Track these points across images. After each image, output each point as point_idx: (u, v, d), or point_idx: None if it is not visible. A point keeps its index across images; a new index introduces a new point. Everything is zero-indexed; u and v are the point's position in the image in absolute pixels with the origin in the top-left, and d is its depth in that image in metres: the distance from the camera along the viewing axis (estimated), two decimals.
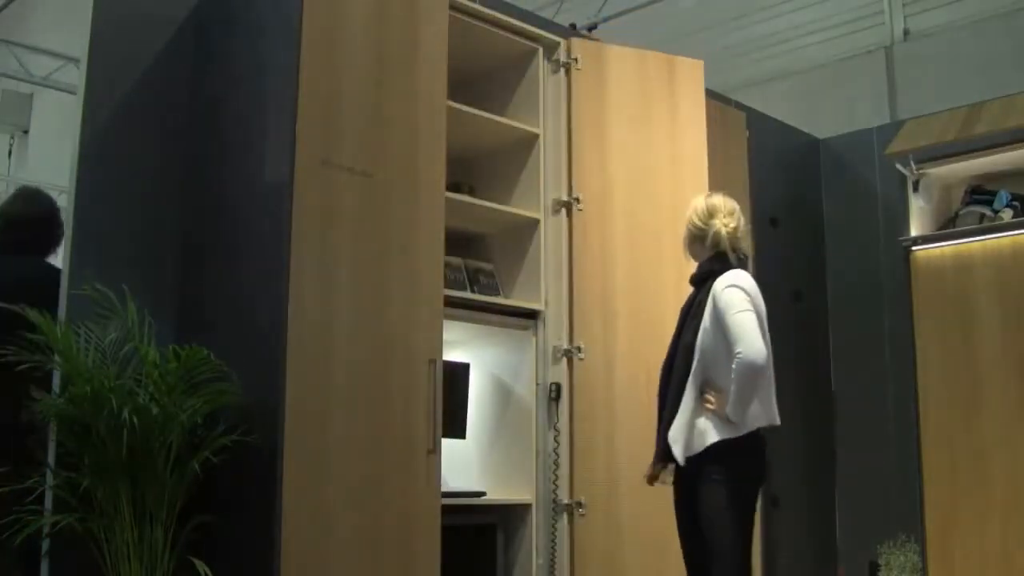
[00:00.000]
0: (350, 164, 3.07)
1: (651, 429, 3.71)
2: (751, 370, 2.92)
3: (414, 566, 3.01)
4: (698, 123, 4.02)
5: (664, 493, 3.73)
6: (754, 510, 3.10)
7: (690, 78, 4.05)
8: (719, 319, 3.01)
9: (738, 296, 3.01)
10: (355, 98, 3.11)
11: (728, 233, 3.14)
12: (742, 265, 3.17)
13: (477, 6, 3.62)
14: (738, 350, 2.92)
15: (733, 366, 2.93)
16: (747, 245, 3.27)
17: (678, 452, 3.02)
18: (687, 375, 3.05)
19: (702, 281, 3.13)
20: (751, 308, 2.98)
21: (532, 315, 3.68)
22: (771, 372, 3.07)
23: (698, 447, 3.01)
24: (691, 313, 3.10)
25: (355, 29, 3.14)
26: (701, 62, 4.13)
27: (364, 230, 3.07)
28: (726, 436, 3.01)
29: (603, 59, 3.88)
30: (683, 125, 3.99)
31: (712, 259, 3.15)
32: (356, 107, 3.11)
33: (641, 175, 3.88)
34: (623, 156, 3.84)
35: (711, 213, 3.17)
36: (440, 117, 3.29)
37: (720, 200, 3.21)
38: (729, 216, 3.17)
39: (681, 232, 3.23)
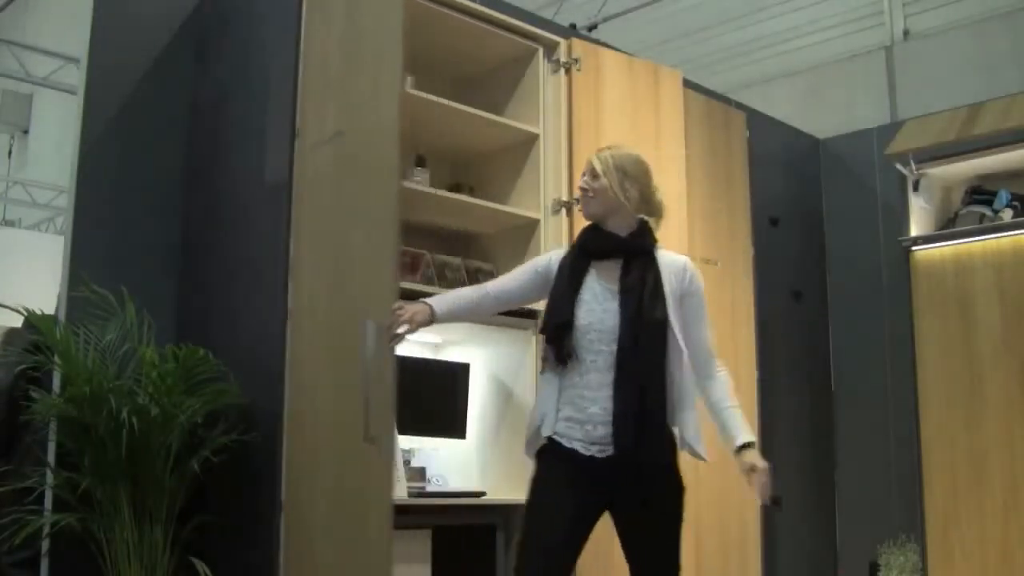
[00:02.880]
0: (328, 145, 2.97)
1: None
2: None
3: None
4: (677, 131, 4.06)
5: None
6: None
7: (671, 87, 4.10)
8: (689, 304, 2.67)
9: None
10: (342, 95, 3.08)
11: (663, 207, 2.79)
12: None
13: (477, 6, 3.62)
14: (722, 365, 2.71)
15: (722, 378, 2.69)
16: None
17: (703, 451, 2.63)
18: (664, 357, 2.59)
19: (651, 252, 2.68)
20: None
21: (532, 315, 3.67)
22: None
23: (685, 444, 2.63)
24: (648, 285, 2.60)
25: (339, 24, 3.10)
26: (680, 72, 4.17)
27: (347, 226, 3.00)
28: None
29: (599, 61, 3.89)
30: (665, 133, 4.02)
31: (648, 227, 2.73)
32: (342, 103, 3.08)
33: None
34: None
35: (652, 178, 2.76)
36: (392, 100, 2.97)
37: None
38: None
39: (612, 184, 2.66)
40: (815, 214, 5.59)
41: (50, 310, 3.16)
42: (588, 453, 2.52)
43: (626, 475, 2.54)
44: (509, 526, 3.57)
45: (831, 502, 5.32)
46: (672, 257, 2.70)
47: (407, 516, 3.19)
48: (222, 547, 3.01)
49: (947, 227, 4.76)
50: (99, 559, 2.87)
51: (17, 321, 3.39)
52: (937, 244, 4.68)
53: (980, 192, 4.76)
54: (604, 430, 2.51)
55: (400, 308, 2.57)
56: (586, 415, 2.53)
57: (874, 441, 5.20)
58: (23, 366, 3.13)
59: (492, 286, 2.78)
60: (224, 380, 3.04)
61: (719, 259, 4.31)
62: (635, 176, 2.68)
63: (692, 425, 2.62)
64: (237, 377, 3.04)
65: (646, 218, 2.72)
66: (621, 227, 2.67)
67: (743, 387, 4.30)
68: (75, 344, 2.99)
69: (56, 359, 3.00)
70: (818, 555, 5.21)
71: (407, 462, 3.40)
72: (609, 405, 2.51)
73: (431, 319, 2.59)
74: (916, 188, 4.75)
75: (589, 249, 2.69)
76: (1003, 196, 4.63)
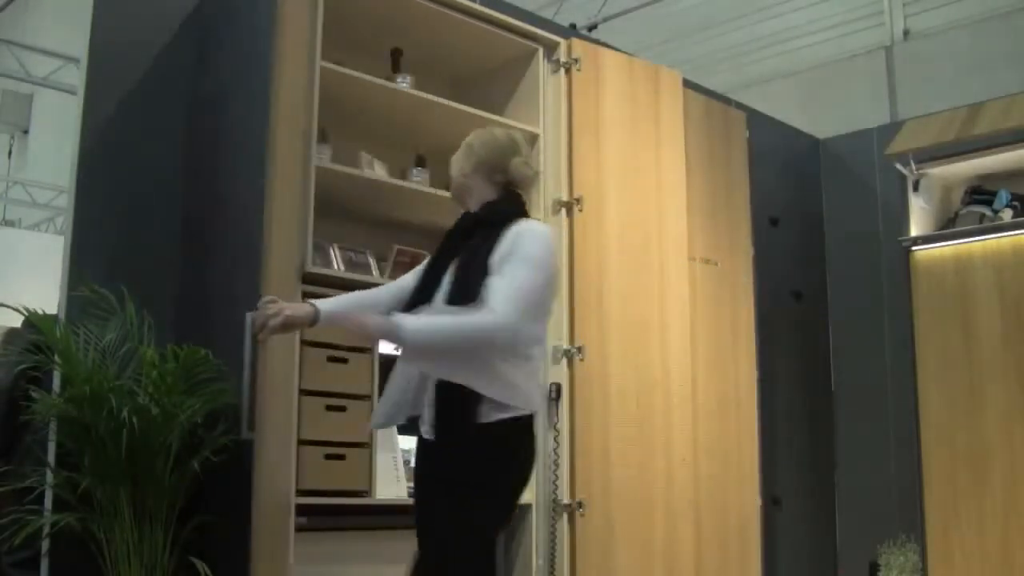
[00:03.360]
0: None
1: (643, 431, 3.73)
2: (488, 340, 2.33)
3: None
4: (677, 131, 4.06)
5: (660, 493, 3.74)
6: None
7: (671, 87, 4.10)
8: (507, 262, 2.38)
9: (542, 250, 2.42)
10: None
11: (530, 175, 2.61)
12: None
13: (477, 6, 3.62)
14: (492, 307, 2.30)
15: (485, 313, 2.30)
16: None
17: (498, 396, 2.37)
18: None
19: (500, 224, 2.47)
20: (545, 273, 2.40)
21: None
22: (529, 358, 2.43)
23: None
24: (475, 259, 2.42)
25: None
26: (679, 73, 4.17)
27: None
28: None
29: (599, 61, 3.89)
30: (665, 133, 4.03)
31: (509, 199, 2.56)
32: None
33: (632, 179, 3.89)
34: (617, 159, 3.86)
35: (513, 148, 2.59)
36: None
37: (521, 136, 2.68)
38: (529, 157, 2.64)
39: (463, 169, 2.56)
40: (815, 214, 5.59)
41: (50, 310, 3.16)
42: (423, 435, 2.45)
43: (433, 458, 2.43)
44: (509, 526, 3.58)
45: (831, 502, 5.32)
46: (526, 225, 2.48)
47: (407, 516, 3.19)
48: (222, 547, 3.01)
49: (947, 227, 4.76)
50: (99, 559, 2.87)
51: (17, 321, 3.39)
52: (937, 244, 4.68)
53: (980, 192, 4.76)
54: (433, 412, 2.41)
55: (272, 301, 2.44)
56: (427, 397, 2.43)
57: (874, 441, 5.20)
58: (23, 366, 3.13)
59: (395, 282, 2.70)
60: (224, 380, 3.04)
61: (719, 259, 4.31)
62: (477, 148, 2.58)
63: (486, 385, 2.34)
64: (237, 377, 3.04)
65: (516, 190, 2.57)
66: (476, 204, 2.57)
67: (743, 387, 4.31)
68: (75, 344, 2.99)
69: (56, 359, 2.99)
70: (818, 555, 5.21)
71: (407, 462, 3.40)
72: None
73: (314, 320, 2.45)
74: (916, 188, 4.74)
75: (452, 230, 2.61)
76: (1003, 196, 4.63)
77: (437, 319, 2.35)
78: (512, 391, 2.36)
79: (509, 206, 2.54)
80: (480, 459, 2.35)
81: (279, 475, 2.83)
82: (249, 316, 2.56)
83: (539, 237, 2.45)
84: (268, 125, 2.98)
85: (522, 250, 2.39)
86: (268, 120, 2.99)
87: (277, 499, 2.81)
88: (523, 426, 2.41)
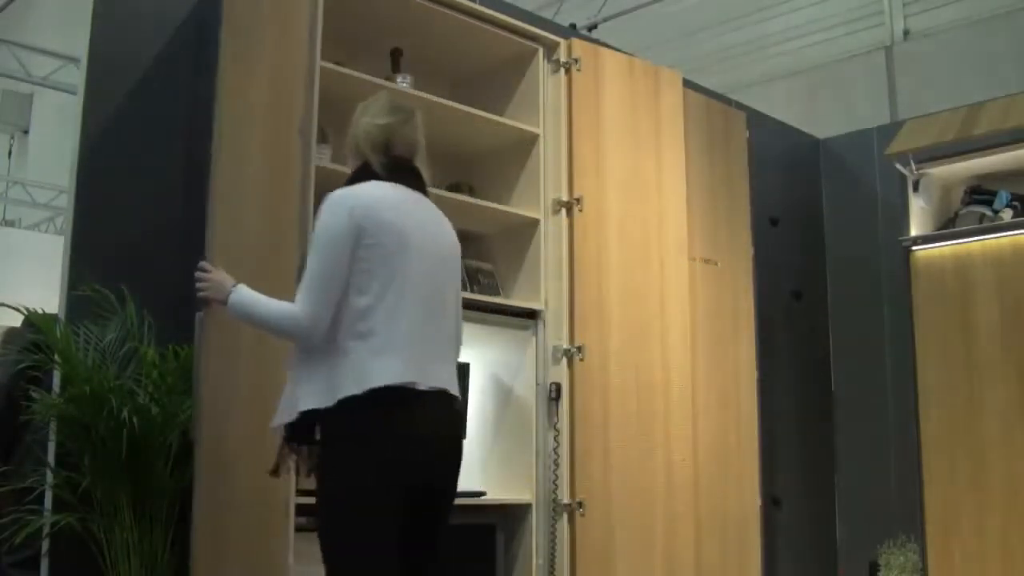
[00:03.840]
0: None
1: (643, 431, 3.73)
2: (284, 331, 2.32)
3: None
4: (677, 131, 4.06)
5: (660, 493, 3.74)
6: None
7: (671, 87, 4.10)
8: None
9: (322, 225, 2.31)
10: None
11: (368, 131, 2.44)
12: (403, 175, 2.45)
13: (477, 6, 3.62)
14: (297, 302, 2.28)
15: (295, 309, 2.27)
16: (420, 154, 2.54)
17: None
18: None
19: None
20: (325, 252, 2.29)
21: (532, 315, 3.68)
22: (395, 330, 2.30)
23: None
24: None
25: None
26: (679, 73, 4.17)
27: None
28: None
29: (599, 61, 3.89)
30: (665, 133, 4.03)
31: (354, 172, 2.45)
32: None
33: (632, 179, 3.89)
34: (617, 159, 3.86)
35: (362, 112, 2.49)
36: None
37: (386, 99, 2.54)
38: (387, 113, 2.46)
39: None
40: (815, 214, 5.60)
41: (50, 310, 3.16)
42: None
43: None
44: (509, 526, 3.58)
45: (831, 502, 5.32)
46: (327, 200, 2.38)
47: None
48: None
49: (947, 227, 4.77)
50: (99, 559, 2.87)
51: (17, 321, 3.40)
52: (937, 244, 4.68)
53: (980, 192, 4.77)
54: None
55: (202, 269, 2.46)
56: None
57: (874, 441, 5.21)
58: (23, 365, 3.14)
59: None
60: None
61: (719, 259, 4.32)
62: (348, 142, 2.51)
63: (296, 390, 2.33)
64: None
65: (366, 160, 2.46)
66: None
67: (743, 387, 4.31)
68: (75, 344, 2.99)
69: (56, 359, 3.00)
70: (818, 555, 5.21)
71: None
72: None
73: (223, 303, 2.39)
74: (916, 188, 4.75)
75: None
76: (1003, 196, 4.64)
77: (263, 300, 2.35)
78: (336, 381, 2.27)
79: (349, 179, 2.44)
80: (327, 442, 2.31)
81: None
82: (199, 315, 2.76)
83: (323, 211, 2.34)
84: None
85: (314, 234, 2.34)
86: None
87: (277, 498, 2.80)
88: (375, 403, 2.25)
